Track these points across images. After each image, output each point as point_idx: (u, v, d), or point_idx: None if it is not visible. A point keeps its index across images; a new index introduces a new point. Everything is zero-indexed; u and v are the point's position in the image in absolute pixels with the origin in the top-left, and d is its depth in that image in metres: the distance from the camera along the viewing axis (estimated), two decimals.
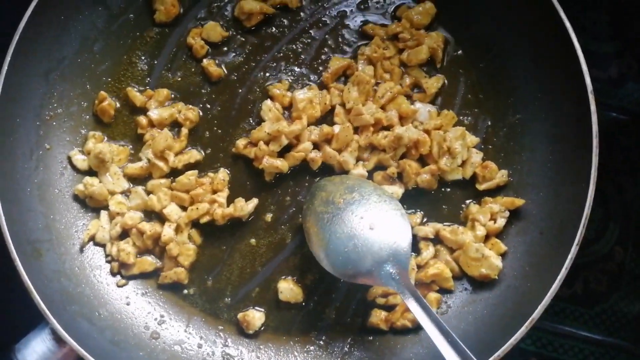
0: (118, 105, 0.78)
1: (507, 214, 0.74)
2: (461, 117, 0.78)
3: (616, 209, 0.87)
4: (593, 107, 0.68)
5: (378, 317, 0.71)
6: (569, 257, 0.64)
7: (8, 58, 0.68)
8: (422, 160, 0.76)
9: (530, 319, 0.63)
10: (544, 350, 0.82)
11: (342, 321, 0.73)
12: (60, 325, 0.63)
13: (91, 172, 0.75)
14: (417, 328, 0.72)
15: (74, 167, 0.75)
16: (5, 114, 0.68)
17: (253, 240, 0.75)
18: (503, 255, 0.72)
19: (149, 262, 0.73)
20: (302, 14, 0.80)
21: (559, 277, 0.64)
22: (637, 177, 0.87)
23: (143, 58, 0.79)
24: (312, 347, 0.72)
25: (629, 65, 0.91)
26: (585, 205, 0.66)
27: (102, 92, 0.77)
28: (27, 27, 0.69)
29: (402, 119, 0.76)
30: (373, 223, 0.66)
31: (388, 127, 0.75)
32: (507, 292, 0.70)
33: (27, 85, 0.72)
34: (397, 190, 0.73)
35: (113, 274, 0.73)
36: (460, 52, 0.80)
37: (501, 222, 0.73)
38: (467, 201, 0.76)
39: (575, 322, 0.83)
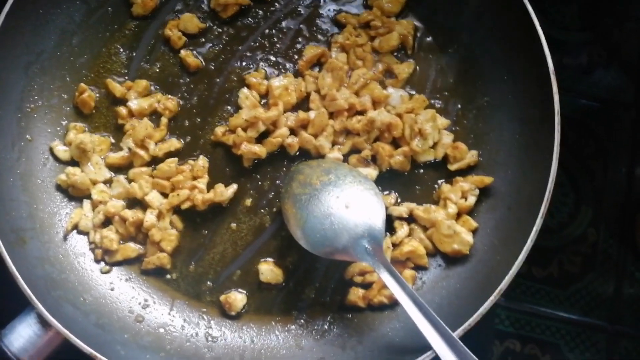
0: (98, 96, 0.79)
1: (477, 192, 0.76)
2: (432, 101, 0.80)
3: (587, 192, 0.89)
4: (555, 88, 0.71)
5: (356, 294, 0.74)
6: (534, 229, 0.67)
7: None
8: (395, 143, 0.78)
9: (499, 289, 0.66)
10: (522, 331, 0.85)
11: (322, 300, 0.75)
12: (45, 309, 0.64)
13: (73, 163, 0.77)
14: (393, 304, 0.74)
15: (55, 157, 0.76)
16: None
17: (233, 225, 0.77)
18: (474, 232, 0.75)
19: (132, 248, 0.75)
20: (276, 4, 0.83)
21: (524, 249, 0.67)
22: (607, 161, 0.90)
23: (122, 50, 0.81)
24: (292, 326, 0.74)
25: (598, 54, 0.93)
26: (548, 180, 0.69)
27: (82, 84, 0.78)
28: (6, 22, 0.71)
29: (375, 104, 0.78)
30: (348, 202, 0.68)
31: (362, 112, 0.78)
32: (478, 266, 0.73)
33: (7, 78, 0.73)
34: (372, 172, 0.76)
35: (97, 260, 0.75)
36: (430, 38, 0.82)
37: (472, 199, 0.76)
38: (439, 181, 0.78)
39: (551, 302, 0.85)
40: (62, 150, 0.76)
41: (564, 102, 0.71)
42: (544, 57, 0.72)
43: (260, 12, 0.83)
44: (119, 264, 0.75)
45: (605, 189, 0.89)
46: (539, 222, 0.68)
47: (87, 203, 0.75)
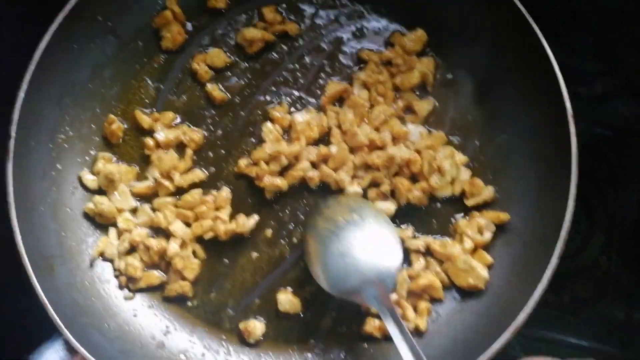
0: (126, 127, 0.82)
1: (493, 227, 0.78)
2: (451, 137, 0.82)
3: (601, 219, 0.90)
4: (572, 130, 0.73)
5: (372, 325, 0.75)
6: (550, 268, 0.69)
7: (25, 86, 0.73)
8: (414, 178, 0.80)
9: (515, 325, 0.67)
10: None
11: (338, 330, 0.76)
12: (72, 335, 0.67)
13: (100, 191, 0.79)
14: None
15: (84, 186, 0.79)
16: (21, 138, 0.72)
17: (254, 254, 0.79)
18: (489, 267, 0.76)
19: (155, 276, 0.77)
20: (300, 40, 0.86)
21: (541, 287, 0.68)
22: (620, 189, 0.91)
23: (150, 82, 0.84)
24: (310, 355, 0.76)
25: (612, 83, 0.95)
26: (564, 220, 0.70)
27: (111, 116, 0.81)
28: (43, 57, 0.74)
29: (395, 140, 0.80)
30: (365, 245, 0.70)
31: (382, 147, 0.80)
32: (493, 301, 0.74)
33: (41, 111, 0.76)
34: (390, 206, 0.77)
35: (121, 287, 0.77)
36: (450, 75, 0.84)
37: (488, 235, 0.77)
38: (456, 215, 0.80)
39: (563, 328, 0.86)
40: (90, 180, 0.79)
41: (578, 130, 0.73)
42: (561, 99, 0.74)
43: (285, 48, 0.85)
44: (141, 291, 0.77)
45: (617, 216, 0.90)
46: (554, 261, 0.69)
47: (112, 231, 0.78)
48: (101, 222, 0.78)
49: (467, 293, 0.76)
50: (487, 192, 0.79)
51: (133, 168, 0.81)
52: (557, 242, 0.69)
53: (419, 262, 0.77)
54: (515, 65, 0.80)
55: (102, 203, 0.77)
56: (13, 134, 0.72)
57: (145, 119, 0.81)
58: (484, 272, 0.75)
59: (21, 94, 0.73)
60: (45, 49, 0.74)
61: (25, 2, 0.84)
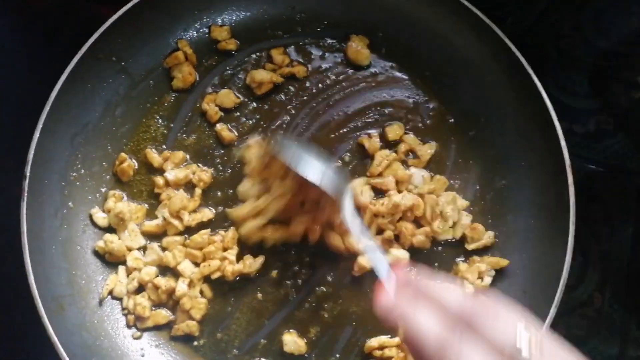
0: (136, 165, 0.84)
1: (493, 273, 0.80)
2: (452, 181, 0.84)
3: (595, 257, 0.92)
4: (570, 180, 0.76)
5: None
6: (549, 317, 0.71)
7: (40, 125, 0.74)
8: (415, 221, 0.82)
9: None
10: None
11: None
12: None
13: (110, 229, 0.81)
14: None
15: (94, 224, 0.80)
16: (35, 176, 0.74)
17: (259, 295, 0.80)
18: None
19: (163, 315, 0.78)
20: (307, 82, 0.88)
21: None
22: (614, 227, 0.93)
23: (160, 121, 0.85)
24: None
25: (606, 121, 0.97)
26: (563, 267, 0.73)
27: (123, 154, 0.83)
28: (57, 98, 0.75)
29: (399, 184, 0.83)
30: None
31: (385, 191, 0.82)
32: None
33: (54, 150, 0.77)
34: (405, 254, 0.79)
35: (129, 326, 0.78)
36: (451, 120, 0.87)
37: (487, 280, 0.80)
38: (457, 259, 0.82)
39: None
40: (101, 218, 0.80)
41: (572, 167, 0.75)
42: (560, 150, 0.77)
43: (292, 90, 0.88)
44: (149, 329, 0.78)
45: (611, 254, 0.92)
46: (552, 311, 0.71)
47: (122, 269, 0.79)
48: (111, 261, 0.79)
49: None
50: (487, 237, 0.82)
51: (143, 207, 0.82)
52: (556, 293, 0.72)
53: None
54: (513, 110, 0.83)
55: (112, 242, 0.78)
56: (28, 173, 0.73)
57: (155, 158, 0.83)
58: None
59: (36, 134, 0.74)
60: (60, 89, 0.76)
61: (40, 43, 0.85)
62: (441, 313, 0.49)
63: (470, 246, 0.82)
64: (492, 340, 0.46)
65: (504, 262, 0.80)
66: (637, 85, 0.98)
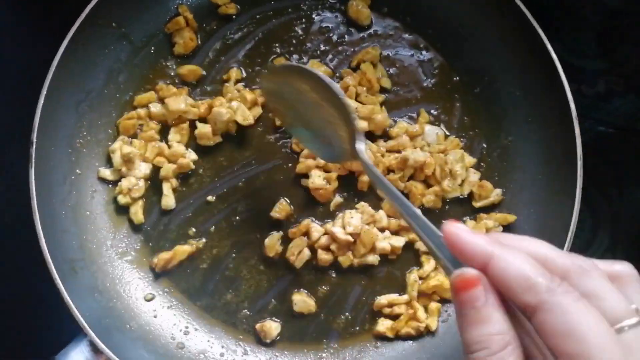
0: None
1: (500, 229, 0.80)
2: (459, 139, 0.84)
3: (605, 218, 0.92)
4: (577, 132, 0.75)
5: (384, 325, 0.78)
6: None
7: (44, 92, 0.74)
8: (424, 181, 0.82)
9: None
10: None
11: (351, 330, 0.79)
12: (97, 336, 0.69)
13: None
14: (419, 335, 0.78)
15: (103, 181, 0.81)
16: (41, 144, 0.74)
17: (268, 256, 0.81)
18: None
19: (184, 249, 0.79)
20: (309, 44, 0.87)
21: None
22: (623, 188, 0.93)
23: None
24: (324, 354, 0.78)
25: (615, 82, 0.96)
26: (571, 222, 0.73)
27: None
28: (59, 65, 0.75)
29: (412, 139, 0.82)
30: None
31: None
32: None
33: (60, 117, 0.77)
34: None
35: (152, 269, 0.79)
36: (457, 78, 0.86)
37: None
38: (464, 218, 0.82)
39: None
40: (107, 173, 0.81)
41: (582, 128, 0.75)
42: (567, 102, 0.76)
43: (293, 50, 0.87)
44: (162, 291, 0.79)
45: (622, 215, 0.92)
46: None
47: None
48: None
49: None
50: (494, 194, 0.81)
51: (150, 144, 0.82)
52: (564, 245, 0.72)
53: (429, 264, 0.79)
54: (520, 67, 0.82)
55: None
56: (35, 140, 0.74)
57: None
58: None
59: (41, 101, 0.74)
60: (62, 56, 0.75)
61: (40, 12, 0.85)
62: (531, 260, 0.41)
63: (478, 204, 0.82)
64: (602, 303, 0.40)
65: (511, 218, 0.80)
66: None
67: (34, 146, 0.73)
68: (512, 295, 0.40)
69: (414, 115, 0.85)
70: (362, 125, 0.79)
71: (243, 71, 0.85)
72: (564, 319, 0.38)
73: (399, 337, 0.78)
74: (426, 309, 0.78)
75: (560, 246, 0.73)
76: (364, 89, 0.82)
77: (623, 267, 0.44)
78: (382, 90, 0.85)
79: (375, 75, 0.83)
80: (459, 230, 0.44)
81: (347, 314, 0.79)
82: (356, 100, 0.82)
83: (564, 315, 0.38)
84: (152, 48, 0.85)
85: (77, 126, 0.80)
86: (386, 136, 0.83)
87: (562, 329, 0.38)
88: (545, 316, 0.38)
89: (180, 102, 0.81)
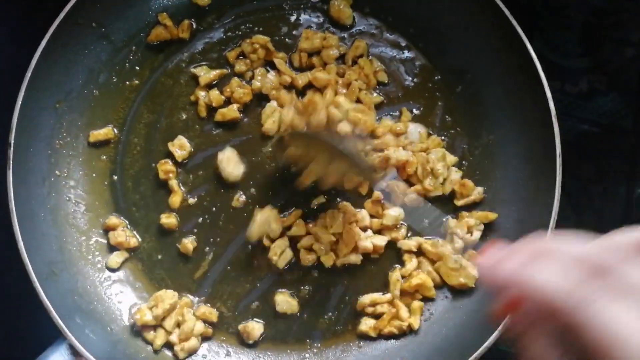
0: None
1: (482, 227, 0.80)
2: (441, 138, 0.84)
3: (588, 215, 0.93)
4: (557, 131, 0.76)
5: (367, 324, 0.78)
6: None
7: (22, 93, 0.73)
8: (405, 180, 0.82)
9: (504, 322, 0.70)
10: None
11: (334, 329, 0.79)
12: (77, 339, 0.68)
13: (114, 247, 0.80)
14: (402, 334, 0.78)
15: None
16: (20, 145, 0.73)
17: (254, 262, 0.80)
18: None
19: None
20: (290, 43, 0.87)
21: None
22: (606, 185, 0.94)
23: None
24: (307, 354, 0.78)
25: (598, 80, 0.97)
26: (550, 219, 0.74)
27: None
28: (39, 64, 0.74)
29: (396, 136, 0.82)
30: None
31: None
32: (483, 299, 0.77)
33: (39, 118, 0.77)
34: (401, 212, 0.80)
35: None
36: (438, 77, 0.87)
37: (477, 234, 0.80)
38: (446, 216, 0.82)
39: None
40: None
41: (565, 127, 0.75)
42: (546, 101, 0.76)
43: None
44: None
45: (605, 212, 0.93)
46: None
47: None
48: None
49: (458, 291, 0.79)
50: (476, 192, 0.82)
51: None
52: None
53: (411, 262, 0.80)
54: (501, 66, 0.82)
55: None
56: (12, 141, 0.73)
57: None
58: (474, 271, 0.77)
59: (19, 101, 0.74)
60: (41, 56, 0.75)
61: (19, 11, 0.84)
62: (565, 267, 0.41)
63: (460, 202, 0.82)
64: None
65: (492, 216, 0.80)
66: (629, 43, 0.98)
67: (12, 147, 0.73)
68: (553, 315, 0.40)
69: (396, 114, 0.85)
70: (346, 128, 0.79)
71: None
72: (602, 331, 0.37)
73: (381, 336, 0.78)
74: (408, 308, 0.78)
75: None
76: (364, 85, 0.83)
77: None
78: (379, 83, 0.85)
79: (372, 69, 0.84)
80: (488, 266, 0.46)
81: (330, 313, 0.79)
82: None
83: (602, 326, 0.37)
84: (133, 48, 0.85)
85: (56, 127, 0.79)
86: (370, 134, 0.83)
87: (603, 344, 0.37)
88: (584, 333, 0.37)
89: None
